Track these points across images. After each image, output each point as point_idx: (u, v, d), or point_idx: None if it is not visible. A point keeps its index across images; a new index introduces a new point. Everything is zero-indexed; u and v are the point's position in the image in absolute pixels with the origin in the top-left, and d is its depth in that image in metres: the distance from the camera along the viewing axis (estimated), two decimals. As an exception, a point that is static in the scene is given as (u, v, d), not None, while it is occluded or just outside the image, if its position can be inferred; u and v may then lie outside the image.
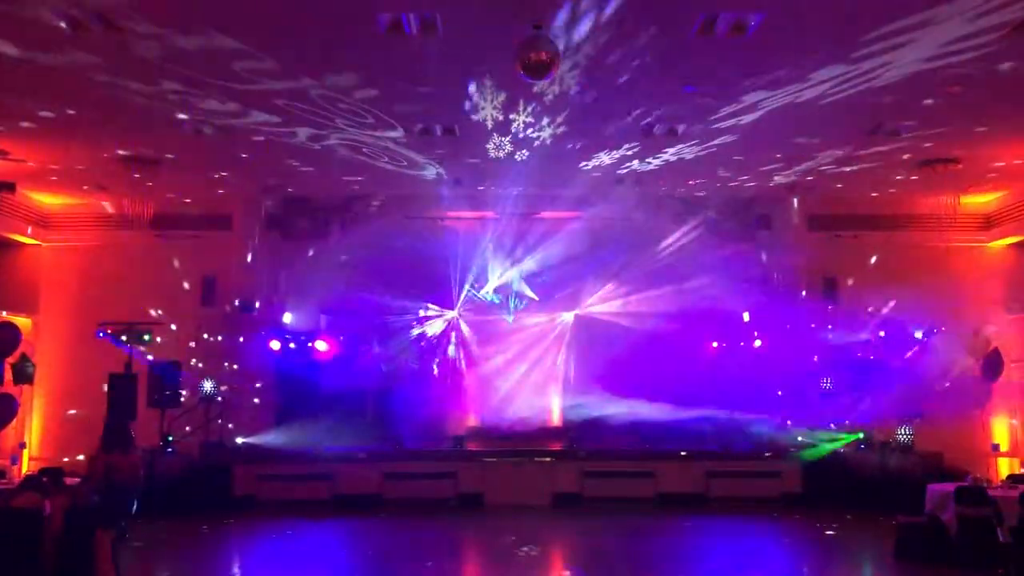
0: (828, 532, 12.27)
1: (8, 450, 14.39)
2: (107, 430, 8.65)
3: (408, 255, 14.85)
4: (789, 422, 14.87)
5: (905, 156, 12.28)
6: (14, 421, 14.21)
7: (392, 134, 11.31)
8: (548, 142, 11.38)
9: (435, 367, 15.67)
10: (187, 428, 14.83)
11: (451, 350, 15.78)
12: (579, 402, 15.03)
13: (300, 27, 8.14)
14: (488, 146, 11.85)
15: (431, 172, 13.15)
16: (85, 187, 14.01)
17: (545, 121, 10.70)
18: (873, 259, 15.34)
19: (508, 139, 11.49)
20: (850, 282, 15.39)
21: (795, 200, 14.65)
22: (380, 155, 12.30)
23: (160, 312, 15.15)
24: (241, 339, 15.29)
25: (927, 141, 11.62)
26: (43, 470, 10.75)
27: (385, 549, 11.46)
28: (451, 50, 8.61)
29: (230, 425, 15.17)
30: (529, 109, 10.33)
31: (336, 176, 13.44)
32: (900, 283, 14.87)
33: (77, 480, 9.57)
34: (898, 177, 13.44)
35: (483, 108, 10.39)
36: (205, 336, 15.38)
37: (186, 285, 15.40)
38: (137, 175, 12.95)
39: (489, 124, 10.89)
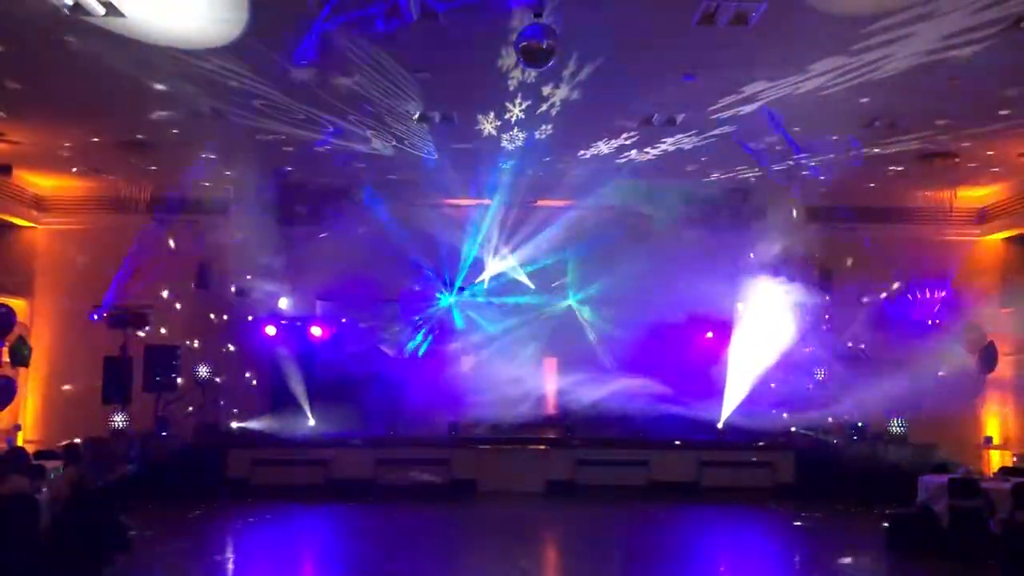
0: (819, 522, 12.34)
1: (3, 432, 14.36)
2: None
3: (405, 242, 14.88)
4: (785, 414, 14.91)
5: (902, 149, 12.27)
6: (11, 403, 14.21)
7: (389, 120, 11.27)
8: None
9: (430, 353, 15.66)
10: (189, 409, 14.90)
11: (446, 336, 15.76)
12: (574, 390, 15.04)
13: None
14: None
15: (428, 158, 13.09)
16: (81, 169, 13.93)
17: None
18: (867, 251, 15.35)
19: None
20: (844, 273, 15.39)
21: (791, 191, 14.64)
22: (378, 141, 12.26)
23: (159, 295, 15.12)
24: (237, 324, 15.29)
25: (925, 134, 11.61)
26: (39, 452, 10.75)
27: (378, 536, 11.49)
28: (451, 36, 8.58)
29: (232, 410, 15.18)
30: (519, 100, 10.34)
31: (330, 162, 13.39)
32: (895, 275, 14.94)
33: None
34: (896, 169, 13.44)
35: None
36: (200, 320, 15.36)
37: (181, 269, 15.34)
38: (132, 160, 12.91)
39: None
